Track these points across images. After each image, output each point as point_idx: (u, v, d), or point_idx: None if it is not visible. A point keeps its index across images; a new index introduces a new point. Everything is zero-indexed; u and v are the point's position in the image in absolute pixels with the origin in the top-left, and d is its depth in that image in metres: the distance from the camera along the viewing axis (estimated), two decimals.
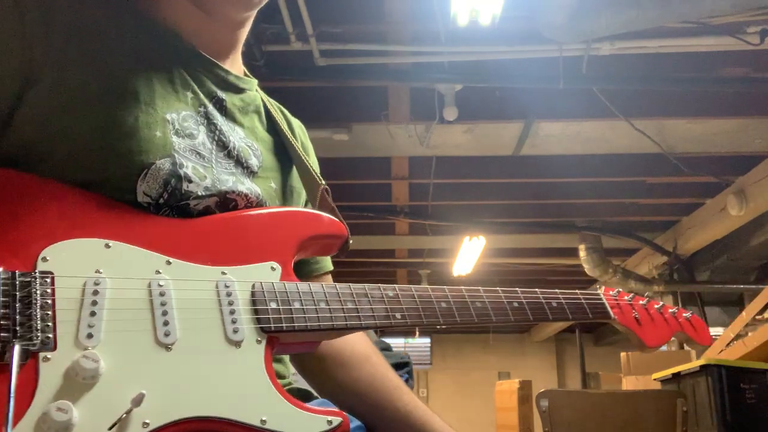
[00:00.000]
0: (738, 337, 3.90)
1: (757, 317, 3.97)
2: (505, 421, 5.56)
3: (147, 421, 0.61)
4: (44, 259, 0.64)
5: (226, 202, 0.82)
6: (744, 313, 4.06)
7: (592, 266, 6.25)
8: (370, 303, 0.79)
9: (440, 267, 7.60)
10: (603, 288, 1.03)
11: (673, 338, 1.03)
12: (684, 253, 6.17)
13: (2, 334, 0.58)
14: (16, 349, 0.57)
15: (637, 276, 6.57)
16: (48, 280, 0.62)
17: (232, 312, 0.70)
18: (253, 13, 0.92)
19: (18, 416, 0.55)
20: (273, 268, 0.76)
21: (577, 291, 0.97)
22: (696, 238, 5.75)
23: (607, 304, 0.98)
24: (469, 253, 6.56)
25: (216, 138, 0.85)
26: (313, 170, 0.95)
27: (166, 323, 0.66)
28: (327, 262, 1.01)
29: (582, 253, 6.21)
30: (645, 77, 3.74)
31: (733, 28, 3.25)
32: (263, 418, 0.66)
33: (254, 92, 0.96)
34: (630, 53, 3.48)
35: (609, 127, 4.13)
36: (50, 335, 0.60)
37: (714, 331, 6.38)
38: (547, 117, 4.07)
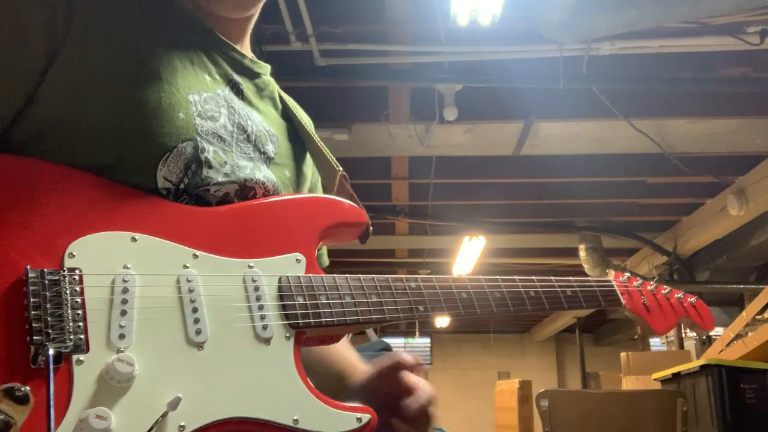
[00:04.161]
0: (738, 337, 3.90)
1: (757, 317, 3.97)
2: (505, 421, 5.57)
3: (183, 424, 0.60)
4: (71, 255, 0.61)
5: (245, 190, 0.79)
6: (744, 313, 4.06)
7: (592, 266, 6.25)
8: (393, 296, 0.79)
9: (440, 267, 7.60)
10: (613, 274, 1.03)
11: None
12: (684, 253, 6.17)
13: (35, 338, 0.56)
14: (51, 353, 0.55)
15: (637, 276, 6.57)
16: (76, 278, 0.60)
17: (260, 308, 0.69)
18: (258, 6, 0.90)
19: (55, 424, 0.54)
20: (298, 260, 0.75)
21: (589, 278, 0.97)
22: (696, 238, 5.76)
23: (618, 292, 0.98)
24: (469, 253, 6.56)
25: (236, 121, 0.83)
26: (330, 156, 0.93)
27: (196, 321, 0.64)
28: (324, 258, 1.00)
29: (582, 253, 6.21)
30: (645, 77, 3.74)
31: (733, 28, 3.25)
32: (295, 418, 0.65)
33: (268, 77, 0.95)
34: (630, 53, 3.48)
35: (609, 127, 4.13)
36: (82, 337, 0.58)
37: (714, 331, 6.39)
38: (547, 117, 4.07)
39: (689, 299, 1.09)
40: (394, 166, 4.90)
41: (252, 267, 0.71)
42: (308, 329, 0.72)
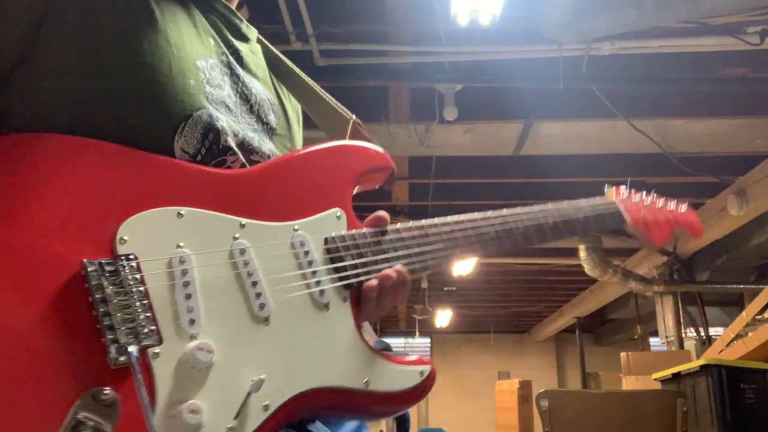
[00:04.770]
0: (738, 337, 3.90)
1: (757, 317, 3.97)
2: (505, 421, 5.57)
3: (266, 403, 0.59)
4: (122, 241, 0.56)
5: (252, 164, 0.75)
6: (744, 313, 4.06)
7: (592, 266, 6.25)
8: (430, 243, 0.79)
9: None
10: (613, 190, 1.04)
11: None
12: (684, 253, 6.17)
13: (109, 336, 0.52)
14: (133, 350, 0.52)
15: (637, 276, 6.57)
16: (134, 265, 0.56)
17: (314, 273, 0.68)
18: None
19: (148, 425, 0.51)
20: (338, 217, 0.74)
21: (596, 199, 1.00)
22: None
23: (621, 211, 1.01)
24: None
25: (239, 90, 0.78)
26: (338, 106, 0.90)
27: (258, 295, 0.62)
28: None
29: (582, 253, 6.21)
30: (645, 77, 3.74)
31: (733, 28, 3.25)
32: (366, 380, 0.65)
33: (256, 41, 0.90)
34: (630, 53, 3.48)
35: (609, 127, 4.13)
36: (153, 328, 0.55)
37: (714, 331, 6.39)
38: (547, 117, 4.06)
39: (680, 207, 1.14)
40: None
41: (297, 230, 0.69)
42: (356, 290, 0.71)
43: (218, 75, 0.75)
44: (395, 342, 12.10)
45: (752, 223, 5.13)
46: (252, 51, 0.86)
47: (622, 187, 1.06)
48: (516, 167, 4.93)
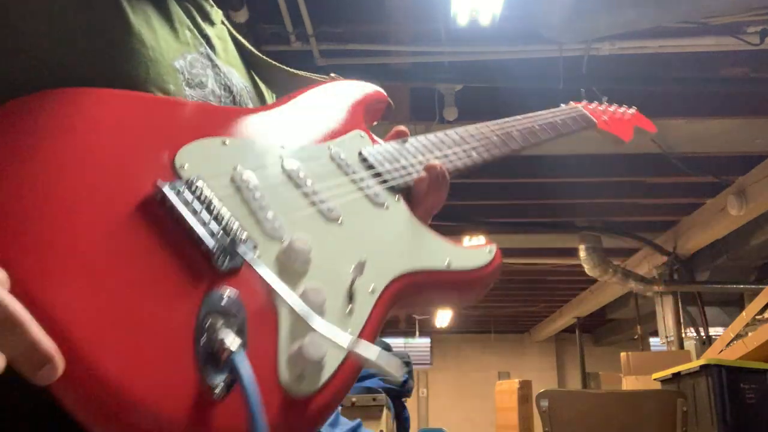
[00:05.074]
0: (738, 337, 3.91)
1: (757, 317, 3.97)
2: (505, 421, 5.57)
3: (372, 286, 0.60)
4: (182, 167, 0.56)
5: None
6: (744, 313, 4.07)
7: (592, 266, 6.25)
8: (450, 146, 0.83)
9: None
10: (571, 103, 1.12)
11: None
12: (684, 253, 6.17)
13: (209, 244, 0.51)
14: (246, 250, 0.52)
15: (637, 276, 6.58)
16: (203, 183, 0.55)
17: (361, 179, 0.70)
18: None
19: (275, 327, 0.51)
20: (362, 136, 0.77)
21: (562, 107, 1.09)
22: (696, 238, 5.76)
23: (588, 113, 1.10)
24: None
25: (222, 83, 0.77)
26: (314, 75, 0.89)
27: (322, 201, 0.64)
28: None
29: (582, 253, 6.22)
30: (645, 77, 3.74)
31: (733, 28, 3.25)
32: (447, 260, 0.68)
33: (222, 24, 0.86)
34: (630, 53, 3.49)
35: None
36: (245, 233, 0.54)
37: (714, 331, 6.39)
38: None
39: (629, 111, 1.22)
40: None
41: (331, 147, 0.71)
42: (403, 189, 0.74)
43: (200, 71, 0.73)
44: (395, 342, 12.10)
45: (752, 223, 5.13)
46: (219, 36, 0.83)
47: (582, 102, 1.16)
48: (516, 167, 4.94)
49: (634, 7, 2.80)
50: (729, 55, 3.59)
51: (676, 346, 6.29)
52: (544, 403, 2.68)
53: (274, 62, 0.90)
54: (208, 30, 0.78)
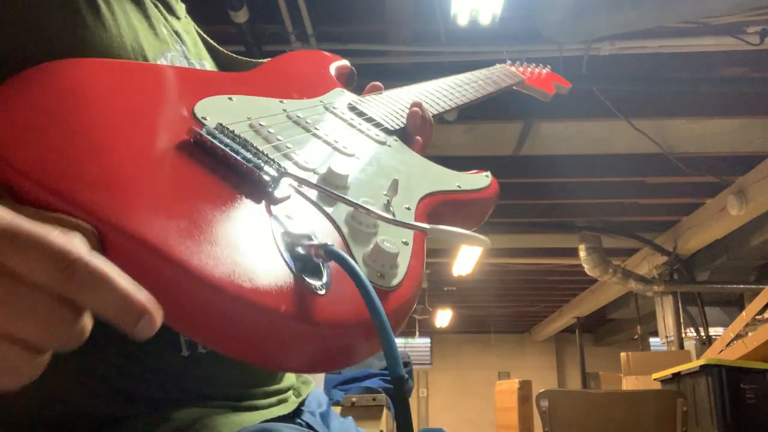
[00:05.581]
0: (738, 337, 3.90)
1: (757, 317, 3.97)
2: (505, 421, 5.56)
3: (407, 205, 0.64)
4: (205, 118, 0.58)
5: None
6: (744, 313, 4.06)
7: (592, 266, 6.25)
8: (426, 96, 0.91)
9: (440, 267, 7.61)
10: (497, 65, 1.21)
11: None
12: (684, 253, 6.17)
13: (265, 170, 0.53)
14: (301, 174, 0.56)
15: (637, 276, 6.58)
16: (228, 129, 0.57)
17: (360, 124, 0.75)
18: None
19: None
20: (343, 92, 0.83)
21: (494, 67, 1.18)
22: (696, 238, 5.76)
23: (516, 71, 1.21)
24: (469, 253, 6.56)
25: None
26: (254, 60, 0.90)
27: (335, 141, 0.68)
28: None
29: (582, 253, 6.21)
30: (645, 77, 3.74)
31: (733, 28, 3.25)
32: (457, 184, 0.76)
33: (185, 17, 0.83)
34: (630, 53, 3.49)
35: (609, 127, 4.14)
36: (282, 164, 0.56)
37: (714, 331, 6.39)
38: (547, 117, 4.07)
39: (543, 69, 1.31)
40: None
41: (323, 101, 0.77)
42: (397, 130, 0.80)
43: None
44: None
45: (752, 223, 5.13)
46: (186, 30, 0.80)
47: (507, 63, 1.25)
48: (516, 167, 4.93)
49: (634, 7, 2.80)
50: (729, 55, 3.59)
51: (676, 346, 6.29)
52: (544, 403, 2.68)
53: (235, 56, 0.90)
54: (176, 25, 0.77)
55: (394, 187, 0.62)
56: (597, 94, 3.71)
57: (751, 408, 3.08)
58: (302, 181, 0.55)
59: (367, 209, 0.54)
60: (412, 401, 11.03)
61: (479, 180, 0.80)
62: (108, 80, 0.56)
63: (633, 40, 3.33)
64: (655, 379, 3.79)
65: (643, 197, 5.50)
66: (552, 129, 4.23)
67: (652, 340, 9.53)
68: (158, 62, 0.67)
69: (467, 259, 6.77)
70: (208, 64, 0.81)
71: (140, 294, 0.36)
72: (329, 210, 0.55)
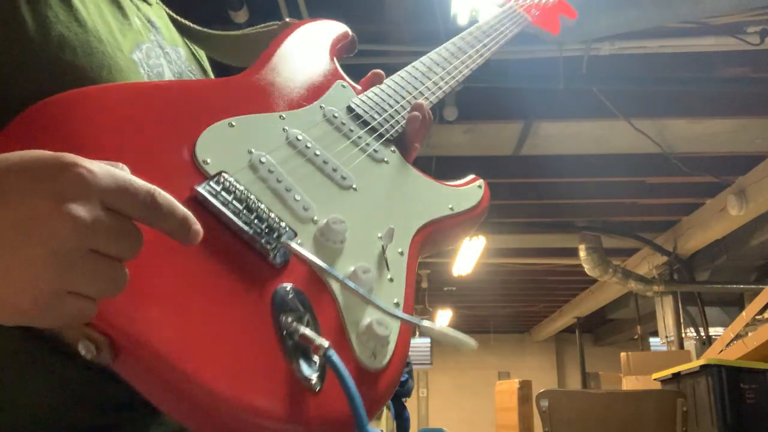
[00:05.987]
0: (738, 337, 3.91)
1: (757, 317, 3.98)
2: (505, 421, 5.56)
3: (400, 249, 0.64)
4: (205, 162, 0.56)
5: None
6: (744, 313, 4.07)
7: (592, 266, 6.25)
8: (423, 80, 0.88)
9: (440, 267, 7.61)
10: (505, 4, 1.15)
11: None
12: (684, 253, 6.17)
13: (261, 241, 0.52)
14: (296, 244, 0.54)
15: (637, 276, 6.58)
16: (230, 178, 0.55)
17: (359, 137, 0.73)
18: None
19: (333, 321, 0.53)
20: (344, 86, 0.79)
21: (499, 12, 1.13)
22: (696, 238, 5.76)
23: (522, 13, 1.13)
24: (469, 253, 6.56)
25: (175, 70, 0.73)
26: (260, 28, 0.89)
27: (334, 170, 0.66)
28: None
29: (582, 253, 6.22)
30: (645, 77, 3.74)
31: (733, 28, 3.25)
32: (450, 206, 0.74)
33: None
34: (630, 53, 3.48)
35: (609, 127, 4.13)
36: (283, 223, 0.55)
37: (714, 331, 6.39)
38: (547, 117, 4.07)
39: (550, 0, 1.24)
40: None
41: (323, 107, 0.73)
42: (396, 138, 0.77)
43: (155, 60, 0.69)
44: None
45: (752, 223, 5.13)
46: (159, 16, 0.78)
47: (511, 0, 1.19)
48: (516, 167, 4.93)
49: (634, 7, 2.79)
50: (729, 55, 3.59)
51: (676, 346, 6.29)
52: (544, 403, 2.68)
53: (210, 31, 0.88)
54: (149, 12, 0.75)
55: (390, 235, 0.62)
56: (597, 94, 3.71)
57: (751, 408, 3.08)
58: (303, 257, 0.54)
59: (368, 299, 0.53)
60: (412, 401, 11.03)
61: (471, 194, 0.79)
62: (101, 116, 0.54)
63: (633, 40, 3.33)
64: (655, 379, 3.79)
65: (643, 197, 5.50)
66: (552, 129, 4.23)
67: (652, 340, 9.53)
68: (133, 56, 0.65)
69: (467, 259, 6.77)
70: (183, 50, 0.80)
71: (186, 212, 0.44)
72: (327, 280, 0.55)
